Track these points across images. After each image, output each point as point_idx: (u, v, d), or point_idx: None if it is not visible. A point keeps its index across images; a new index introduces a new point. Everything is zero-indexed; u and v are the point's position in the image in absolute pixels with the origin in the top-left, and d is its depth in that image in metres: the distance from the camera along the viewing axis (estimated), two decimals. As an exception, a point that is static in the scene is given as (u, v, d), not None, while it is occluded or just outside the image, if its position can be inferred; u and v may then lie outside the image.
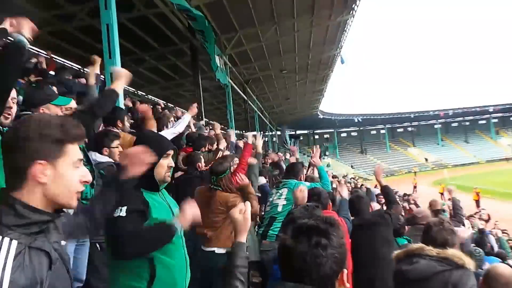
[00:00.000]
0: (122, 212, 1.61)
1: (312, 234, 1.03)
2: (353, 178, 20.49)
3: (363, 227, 2.97)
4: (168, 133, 3.40)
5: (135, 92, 15.81)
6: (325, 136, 52.58)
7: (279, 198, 3.38)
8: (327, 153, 45.71)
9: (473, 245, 4.06)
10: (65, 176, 1.02)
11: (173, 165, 1.86)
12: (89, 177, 1.07)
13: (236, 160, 3.45)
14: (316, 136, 51.70)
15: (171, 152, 1.86)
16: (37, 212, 0.98)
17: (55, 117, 1.07)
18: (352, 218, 3.18)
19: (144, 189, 1.76)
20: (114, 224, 1.58)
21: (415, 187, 27.13)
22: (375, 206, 2.96)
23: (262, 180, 4.45)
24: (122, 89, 2.28)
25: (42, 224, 0.99)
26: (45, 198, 1.01)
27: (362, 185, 12.53)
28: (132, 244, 1.57)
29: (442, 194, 19.97)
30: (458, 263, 1.73)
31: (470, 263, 1.77)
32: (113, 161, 2.62)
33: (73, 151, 1.05)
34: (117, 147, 2.71)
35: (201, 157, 3.84)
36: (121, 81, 2.17)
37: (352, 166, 43.16)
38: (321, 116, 39.74)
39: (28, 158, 0.99)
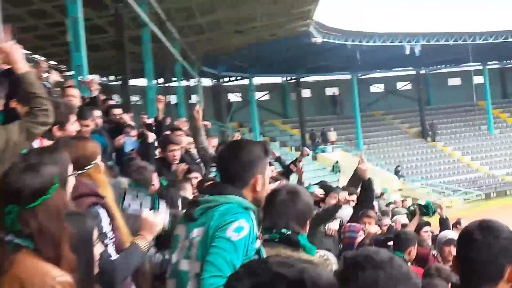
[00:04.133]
0: None
1: None
2: (398, 204, 21.42)
3: None
4: None
5: None
6: (331, 91, 53.06)
7: (187, 257, 3.29)
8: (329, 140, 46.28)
9: None
10: None
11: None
12: None
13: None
14: (306, 92, 50.95)
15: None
16: None
17: None
18: None
19: None
20: None
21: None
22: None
23: None
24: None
25: None
26: None
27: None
28: None
29: None
30: None
31: None
32: None
33: None
34: None
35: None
36: None
37: (397, 171, 42.77)
38: (318, 39, 38.12)
39: None
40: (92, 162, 3.72)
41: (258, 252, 3.25)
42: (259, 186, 3.31)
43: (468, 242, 2.56)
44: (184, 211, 3.64)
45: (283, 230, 3.44)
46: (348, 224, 7.58)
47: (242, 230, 3.08)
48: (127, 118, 8.66)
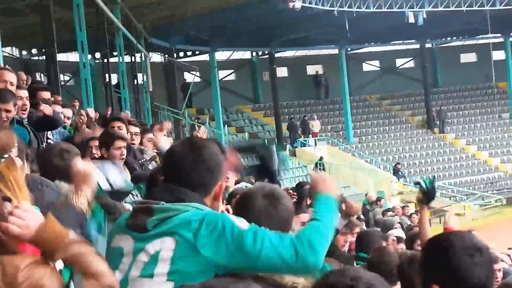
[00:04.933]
0: None
1: None
2: (398, 212, 22.85)
3: None
4: None
5: None
6: (314, 69, 53.22)
7: (149, 275, 3.35)
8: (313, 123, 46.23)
9: None
10: None
11: None
12: None
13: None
14: (282, 70, 51.85)
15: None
16: None
17: None
18: None
19: None
20: None
21: None
22: None
23: None
24: None
25: None
26: None
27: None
28: None
29: None
30: None
31: None
32: None
33: None
34: None
35: None
36: None
37: (396, 170, 43.58)
38: (297, 3, 37.92)
39: None
40: (4, 156, 3.63)
41: None
42: (220, 194, 3.55)
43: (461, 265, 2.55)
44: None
45: None
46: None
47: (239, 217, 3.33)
48: (48, 109, 8.65)
